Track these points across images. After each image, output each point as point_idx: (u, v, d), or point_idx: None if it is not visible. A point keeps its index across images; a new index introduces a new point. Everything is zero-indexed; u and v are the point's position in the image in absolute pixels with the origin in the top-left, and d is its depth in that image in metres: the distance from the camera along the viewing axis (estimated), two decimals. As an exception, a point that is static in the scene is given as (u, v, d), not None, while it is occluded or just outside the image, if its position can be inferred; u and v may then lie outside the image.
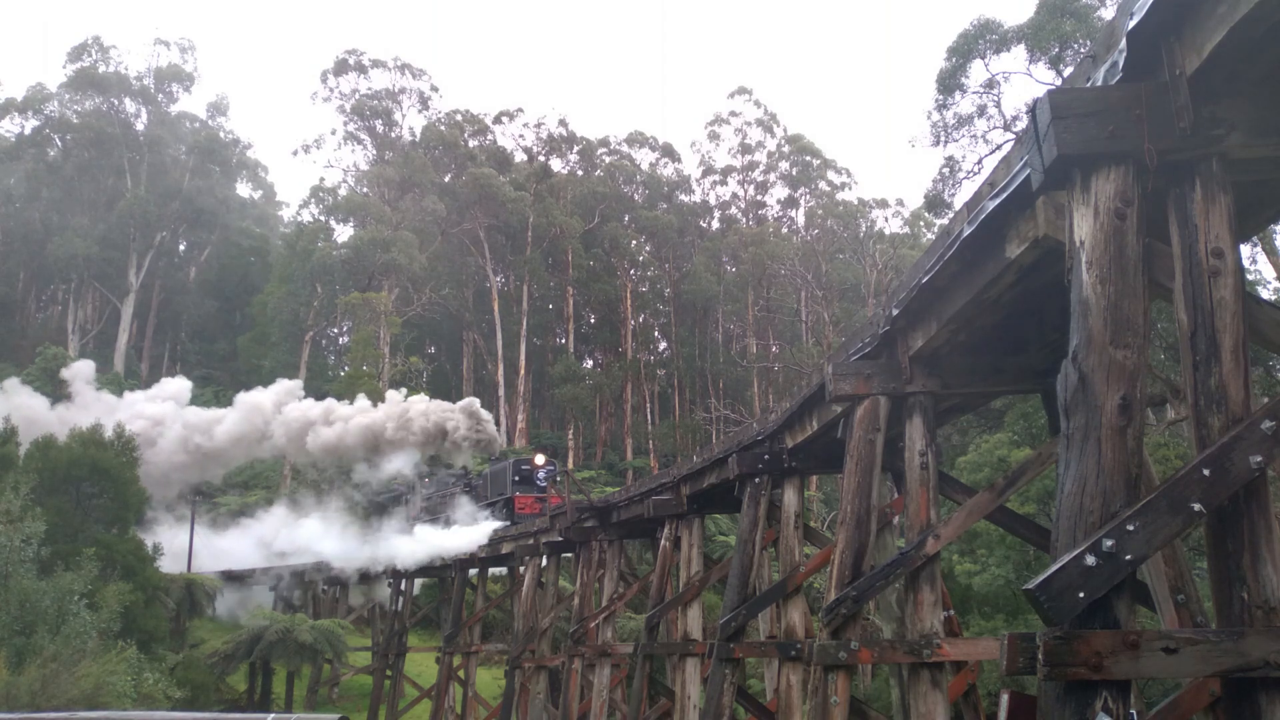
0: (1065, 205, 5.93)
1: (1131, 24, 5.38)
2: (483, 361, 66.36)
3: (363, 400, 42.01)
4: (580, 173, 71.32)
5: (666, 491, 19.94)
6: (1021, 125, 28.90)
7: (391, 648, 35.50)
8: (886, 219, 66.90)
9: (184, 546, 38.41)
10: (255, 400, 43.12)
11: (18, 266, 65.44)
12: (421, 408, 39.13)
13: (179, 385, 46.42)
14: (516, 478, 34.27)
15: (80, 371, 45.96)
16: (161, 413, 42.63)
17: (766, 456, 14.69)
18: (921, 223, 60.92)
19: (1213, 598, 5.43)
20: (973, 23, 31.16)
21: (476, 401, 40.24)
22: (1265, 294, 29.99)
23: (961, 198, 32.59)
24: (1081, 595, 4.96)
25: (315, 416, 40.87)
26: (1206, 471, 5.07)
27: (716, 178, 72.12)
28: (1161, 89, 5.57)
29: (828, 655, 10.07)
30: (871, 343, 10.25)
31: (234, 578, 39.66)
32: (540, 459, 35.19)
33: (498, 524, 32.93)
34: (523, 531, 29.42)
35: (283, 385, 44.70)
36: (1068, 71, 9.15)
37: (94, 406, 39.57)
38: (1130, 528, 5.01)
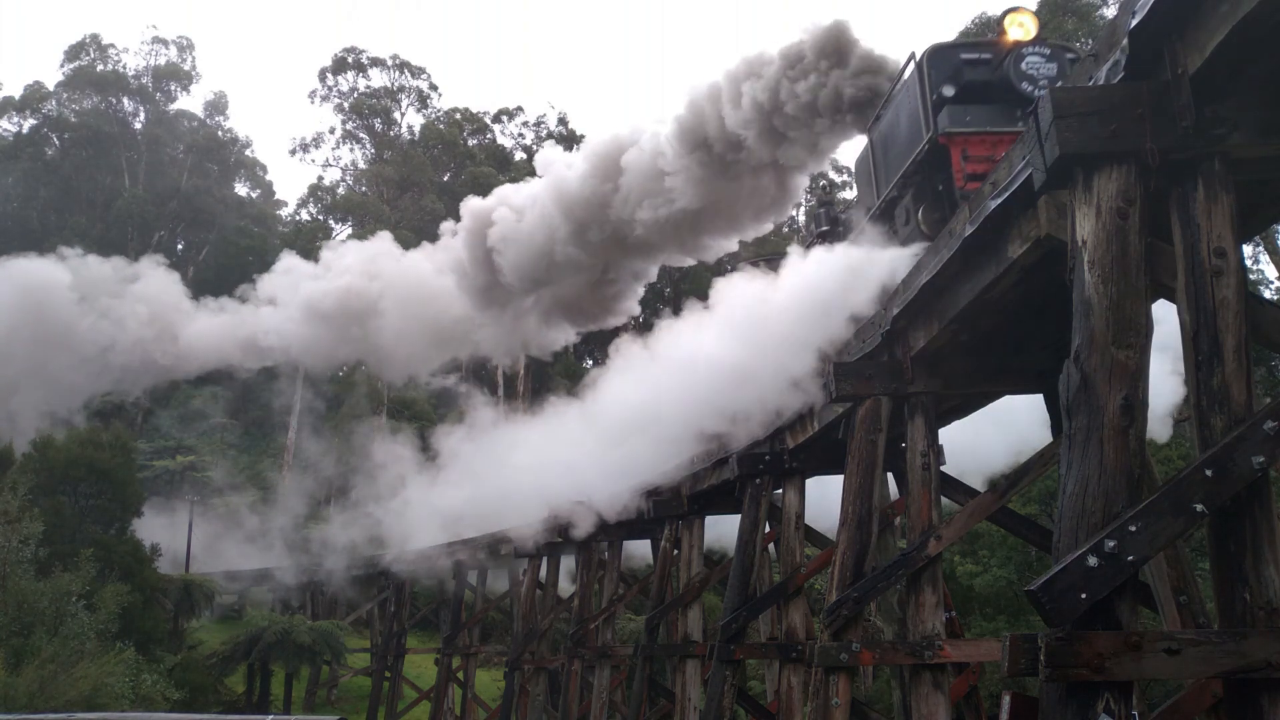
0: (1067, 205, 5.91)
1: (1134, 23, 5.37)
2: (482, 360, 66.22)
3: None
4: (580, 172, 71.17)
5: (666, 492, 19.90)
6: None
7: (390, 649, 35.44)
8: (887, 218, 66.84)
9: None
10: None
11: (15, 267, 65.23)
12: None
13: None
14: (945, 90, 10.33)
15: None
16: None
17: (767, 457, 14.63)
18: (921, 222, 60.84)
19: (1215, 599, 5.40)
20: (974, 20, 31.25)
21: None
22: (1267, 294, 30.02)
23: (961, 197, 32.55)
24: (1084, 596, 4.94)
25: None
26: (1209, 472, 5.05)
27: (716, 177, 72.02)
28: (1164, 88, 5.55)
29: (829, 657, 10.04)
30: (873, 343, 10.22)
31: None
32: (1019, 26, 10.86)
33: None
34: None
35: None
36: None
37: None
38: (1132, 528, 4.99)
